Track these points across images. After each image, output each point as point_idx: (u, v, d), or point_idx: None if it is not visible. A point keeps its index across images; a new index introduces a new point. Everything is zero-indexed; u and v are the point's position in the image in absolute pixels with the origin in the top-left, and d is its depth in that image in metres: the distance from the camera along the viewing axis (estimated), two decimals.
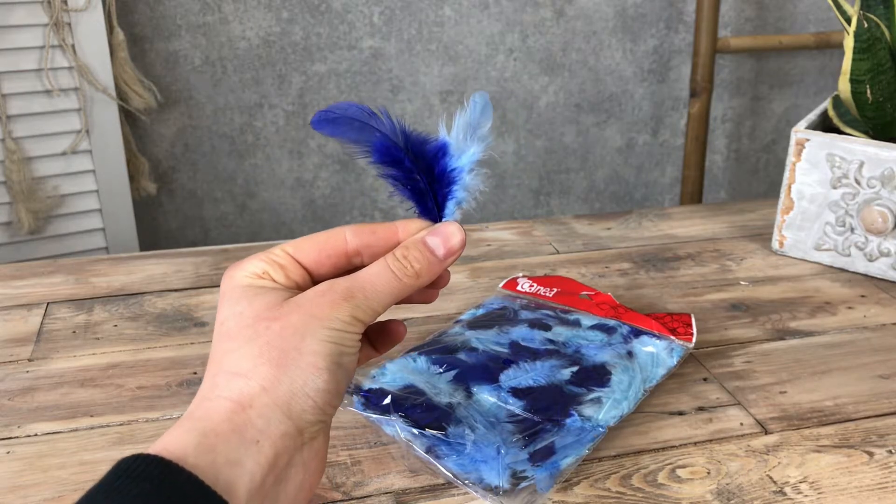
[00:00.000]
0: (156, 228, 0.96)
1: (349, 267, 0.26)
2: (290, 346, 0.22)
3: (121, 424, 0.33)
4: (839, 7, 0.46)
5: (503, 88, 0.99)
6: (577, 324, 0.38)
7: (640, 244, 0.51)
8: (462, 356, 0.35)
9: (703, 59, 0.88)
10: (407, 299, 0.26)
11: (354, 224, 0.26)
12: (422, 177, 0.25)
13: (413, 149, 0.25)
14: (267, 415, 0.21)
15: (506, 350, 0.35)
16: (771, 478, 0.30)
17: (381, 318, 0.26)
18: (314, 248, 0.25)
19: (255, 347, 0.22)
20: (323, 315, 0.22)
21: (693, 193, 0.94)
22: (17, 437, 0.32)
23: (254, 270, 0.24)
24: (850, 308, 0.43)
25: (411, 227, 0.26)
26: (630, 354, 0.36)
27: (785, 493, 0.29)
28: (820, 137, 0.46)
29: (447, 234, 0.25)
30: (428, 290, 0.27)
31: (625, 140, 1.07)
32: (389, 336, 0.27)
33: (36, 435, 0.32)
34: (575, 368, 0.34)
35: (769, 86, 1.08)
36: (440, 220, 0.26)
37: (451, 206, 0.26)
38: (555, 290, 0.41)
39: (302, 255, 0.25)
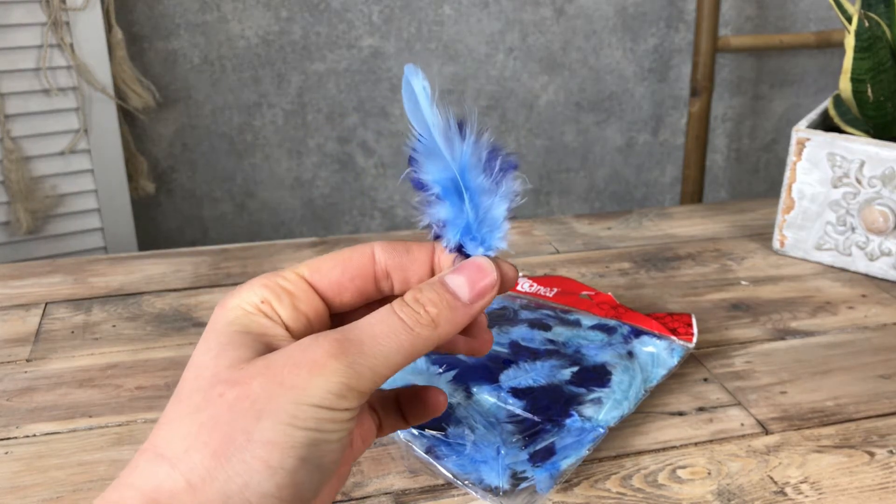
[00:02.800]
0: (154, 228, 0.96)
1: (377, 295, 0.20)
2: (238, 429, 0.16)
3: (119, 425, 0.33)
4: (840, 6, 0.46)
5: (503, 87, 0.99)
6: (577, 324, 0.38)
7: (641, 244, 0.51)
8: (462, 356, 0.34)
9: (703, 58, 0.88)
10: (449, 348, 0.20)
11: (383, 241, 0.20)
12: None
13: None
14: None
15: (506, 350, 0.35)
16: (772, 478, 0.30)
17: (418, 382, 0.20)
18: (335, 267, 0.19)
19: (196, 423, 0.16)
20: (298, 384, 0.16)
21: (693, 193, 0.93)
22: (16, 438, 0.32)
23: (251, 300, 0.18)
24: (850, 308, 0.43)
25: (446, 254, 0.20)
26: (630, 354, 0.35)
27: (786, 494, 0.29)
28: (821, 137, 0.46)
29: (475, 271, 0.19)
30: (472, 340, 0.21)
31: (625, 139, 1.07)
32: (425, 406, 0.21)
33: (34, 435, 0.32)
34: (575, 368, 0.34)
35: (770, 85, 1.07)
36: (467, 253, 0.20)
37: (480, 234, 0.20)
38: (555, 289, 0.41)
39: (319, 276, 0.19)
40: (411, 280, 0.20)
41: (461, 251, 0.20)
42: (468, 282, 0.19)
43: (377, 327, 0.18)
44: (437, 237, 0.20)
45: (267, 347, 0.18)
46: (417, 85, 0.19)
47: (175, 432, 0.16)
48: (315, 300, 0.19)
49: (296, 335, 0.19)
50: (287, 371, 0.16)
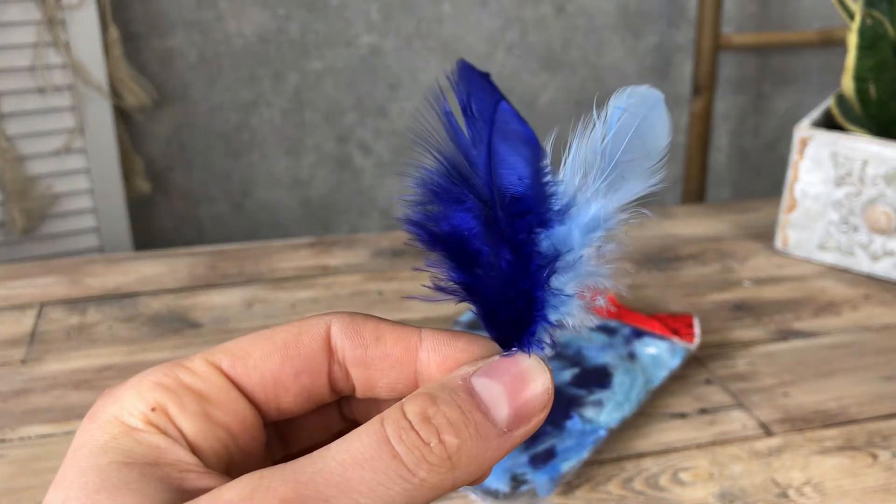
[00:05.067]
0: (150, 228, 0.95)
1: (331, 397, 0.14)
2: None
3: None
4: (843, 4, 0.45)
5: (503, 86, 0.98)
6: None
7: (642, 244, 0.51)
8: None
9: (705, 57, 0.88)
10: None
11: (346, 313, 0.13)
12: (511, 257, 0.12)
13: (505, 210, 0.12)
14: None
15: None
16: (774, 480, 0.30)
17: None
18: (270, 355, 0.13)
19: None
20: None
21: (695, 192, 0.93)
22: (10, 440, 0.32)
23: (136, 407, 0.12)
24: (854, 308, 0.43)
25: (446, 352, 0.13)
26: (632, 356, 0.35)
27: (788, 496, 0.29)
28: (823, 136, 0.45)
29: (517, 376, 0.12)
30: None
31: None
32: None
33: (29, 438, 0.32)
34: (576, 370, 0.34)
35: (772, 83, 1.07)
36: (511, 347, 0.13)
37: (538, 324, 0.13)
38: None
39: (246, 370, 0.13)
40: (377, 384, 0.13)
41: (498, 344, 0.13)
42: (509, 393, 0.12)
43: (354, 471, 0.11)
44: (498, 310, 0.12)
45: (166, 488, 0.11)
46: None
47: None
48: (239, 405, 0.13)
49: (209, 461, 0.12)
50: None
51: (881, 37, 0.42)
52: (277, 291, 0.44)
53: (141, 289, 0.44)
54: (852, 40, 0.43)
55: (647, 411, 0.33)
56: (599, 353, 0.35)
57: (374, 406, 0.14)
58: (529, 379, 0.12)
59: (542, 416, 0.12)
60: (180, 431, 0.12)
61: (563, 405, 0.32)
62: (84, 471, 0.11)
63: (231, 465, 0.13)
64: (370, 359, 0.13)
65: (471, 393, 0.12)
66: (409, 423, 0.11)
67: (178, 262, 0.48)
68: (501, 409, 0.12)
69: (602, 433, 0.31)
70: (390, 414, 0.12)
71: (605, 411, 0.31)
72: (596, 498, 0.29)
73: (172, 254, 0.49)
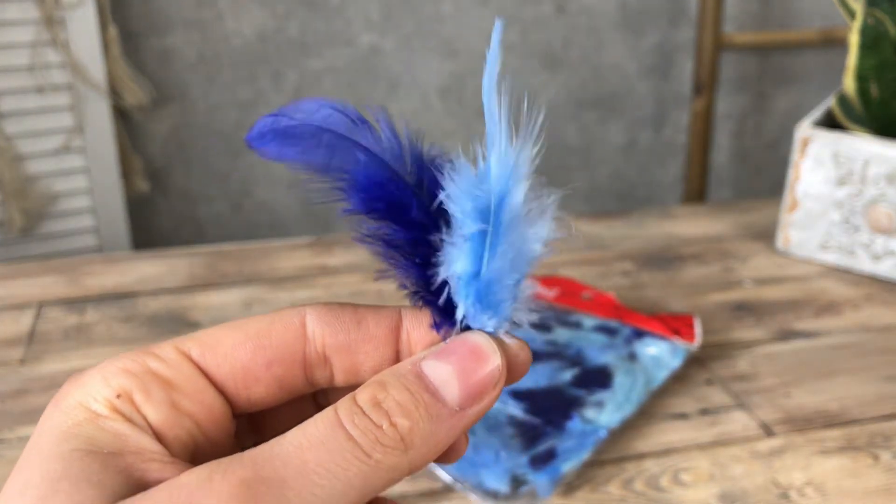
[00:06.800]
0: (149, 227, 0.95)
1: (307, 389, 0.14)
2: None
3: None
4: (844, 3, 0.45)
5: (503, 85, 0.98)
6: (578, 325, 0.37)
7: (643, 244, 0.51)
8: None
9: (706, 56, 0.88)
10: None
11: (321, 304, 0.14)
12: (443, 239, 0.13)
13: (430, 184, 0.13)
14: None
15: None
16: (775, 481, 0.30)
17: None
18: (242, 345, 0.13)
19: None
20: None
21: (696, 192, 0.93)
22: (9, 440, 0.31)
23: (101, 393, 0.12)
24: (855, 309, 0.43)
25: (428, 327, 0.14)
26: (632, 356, 0.35)
27: (789, 497, 0.29)
28: (825, 135, 0.45)
29: (468, 354, 0.13)
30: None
31: (627, 138, 1.07)
32: None
33: (28, 438, 0.32)
34: (576, 370, 0.34)
35: (773, 82, 1.07)
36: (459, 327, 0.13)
37: (480, 296, 0.13)
38: (556, 290, 0.40)
39: (216, 360, 0.13)
40: (362, 368, 0.13)
41: (445, 325, 0.13)
42: (458, 373, 0.12)
43: (311, 453, 0.11)
44: (436, 297, 0.13)
45: (127, 480, 0.11)
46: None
47: None
48: (208, 394, 0.13)
49: (174, 450, 0.12)
50: None
51: (883, 36, 0.42)
52: (277, 291, 0.44)
53: (140, 289, 0.44)
54: (854, 39, 0.43)
55: (647, 412, 0.33)
56: (600, 354, 0.35)
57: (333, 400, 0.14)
58: (479, 358, 0.13)
59: (496, 392, 0.13)
60: (145, 419, 0.12)
61: (563, 406, 0.31)
62: (47, 458, 0.11)
63: (197, 455, 0.13)
64: (353, 342, 0.13)
65: (419, 376, 0.12)
66: (360, 408, 0.12)
67: (177, 261, 0.48)
68: (451, 389, 0.12)
69: (603, 434, 0.30)
70: (343, 402, 0.12)
71: (605, 412, 0.31)
72: (596, 499, 0.29)
73: (171, 253, 0.49)
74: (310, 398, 0.15)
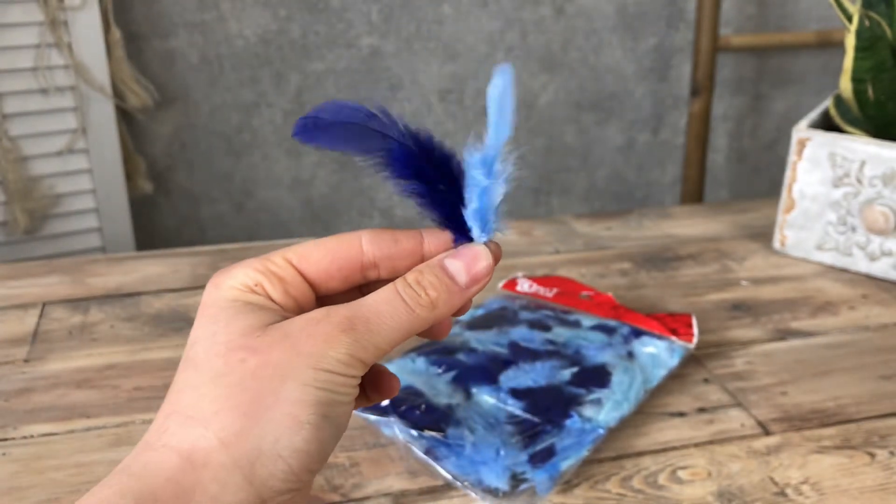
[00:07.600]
0: (152, 228, 0.95)
1: (363, 282, 0.21)
2: (266, 391, 0.17)
3: (117, 426, 0.33)
4: (840, 5, 0.45)
5: None
6: (577, 324, 0.38)
7: (641, 244, 0.51)
8: (461, 357, 0.34)
9: (703, 58, 0.88)
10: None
11: (371, 229, 0.21)
12: (448, 188, 0.21)
13: (429, 154, 0.20)
14: (223, 478, 0.17)
15: (505, 351, 0.35)
16: (772, 479, 0.30)
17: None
18: (323, 256, 0.20)
19: (222, 387, 0.18)
20: (314, 352, 0.18)
21: (694, 193, 0.93)
22: (13, 439, 0.32)
23: (244, 281, 0.20)
24: (851, 308, 0.43)
25: (439, 241, 0.21)
26: (630, 355, 0.35)
27: (786, 495, 0.29)
28: (821, 136, 0.46)
29: (471, 257, 0.20)
30: (437, 325, 0.22)
31: (625, 139, 1.07)
32: (382, 386, 0.23)
33: (32, 437, 0.32)
34: (575, 369, 0.34)
35: (771, 84, 1.07)
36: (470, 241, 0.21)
37: (478, 221, 0.21)
38: (555, 290, 0.41)
39: (307, 265, 0.20)
40: (399, 269, 0.21)
41: (457, 237, 0.21)
42: (465, 267, 0.20)
43: (382, 306, 0.19)
44: (450, 219, 0.21)
45: (272, 318, 0.19)
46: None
47: (201, 396, 0.18)
48: (303, 286, 0.20)
49: (287, 315, 0.20)
50: (304, 339, 0.18)
51: (879, 38, 0.43)
52: None
53: (143, 288, 0.44)
54: (850, 42, 0.43)
55: (645, 410, 0.34)
56: (598, 353, 0.35)
57: (380, 286, 0.21)
58: (478, 259, 0.21)
59: (486, 280, 0.21)
60: (270, 298, 0.20)
61: (562, 404, 0.32)
62: (222, 308, 0.19)
63: None
64: (394, 253, 0.21)
65: (443, 267, 0.20)
66: (409, 284, 0.20)
67: (180, 261, 0.48)
68: (461, 276, 0.20)
69: (601, 432, 0.31)
70: (398, 280, 0.20)
71: (604, 410, 0.32)
72: (595, 496, 0.29)
73: (174, 254, 0.49)
74: (357, 289, 0.22)
